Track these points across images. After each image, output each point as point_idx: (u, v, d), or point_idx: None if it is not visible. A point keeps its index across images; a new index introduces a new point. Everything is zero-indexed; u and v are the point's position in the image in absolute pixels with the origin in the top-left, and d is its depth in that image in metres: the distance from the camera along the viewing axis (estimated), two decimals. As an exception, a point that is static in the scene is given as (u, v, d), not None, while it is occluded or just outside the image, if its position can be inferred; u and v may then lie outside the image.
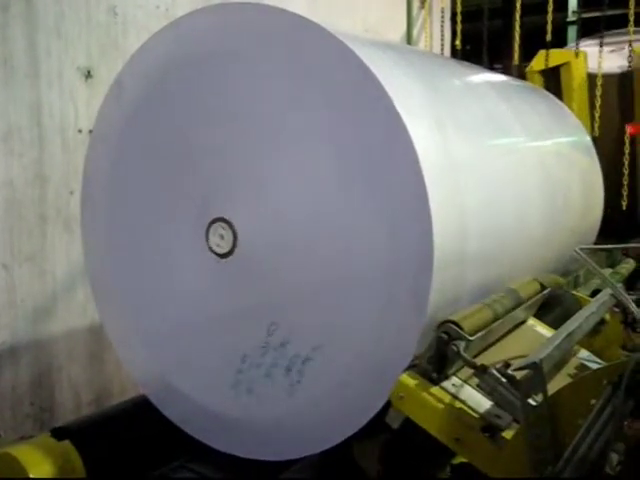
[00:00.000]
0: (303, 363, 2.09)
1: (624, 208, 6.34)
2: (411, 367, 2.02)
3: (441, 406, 1.97)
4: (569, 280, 3.77)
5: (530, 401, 1.82)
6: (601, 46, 6.70)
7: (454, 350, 1.98)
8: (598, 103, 6.66)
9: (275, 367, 2.15)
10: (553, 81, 7.08)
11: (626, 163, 6.44)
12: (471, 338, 2.01)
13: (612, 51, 7.09)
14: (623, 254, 4.47)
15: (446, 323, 2.00)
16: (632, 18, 6.51)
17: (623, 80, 6.91)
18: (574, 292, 3.75)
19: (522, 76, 6.56)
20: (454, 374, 2.07)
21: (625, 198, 6.38)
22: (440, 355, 2.01)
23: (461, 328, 2.00)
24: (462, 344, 1.98)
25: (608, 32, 6.83)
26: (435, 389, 2.00)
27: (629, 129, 6.58)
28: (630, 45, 6.48)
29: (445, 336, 1.99)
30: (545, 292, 2.71)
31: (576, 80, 6.88)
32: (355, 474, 2.29)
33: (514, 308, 2.41)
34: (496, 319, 2.24)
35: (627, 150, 6.43)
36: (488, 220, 2.30)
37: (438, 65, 2.77)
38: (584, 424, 1.70)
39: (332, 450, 2.09)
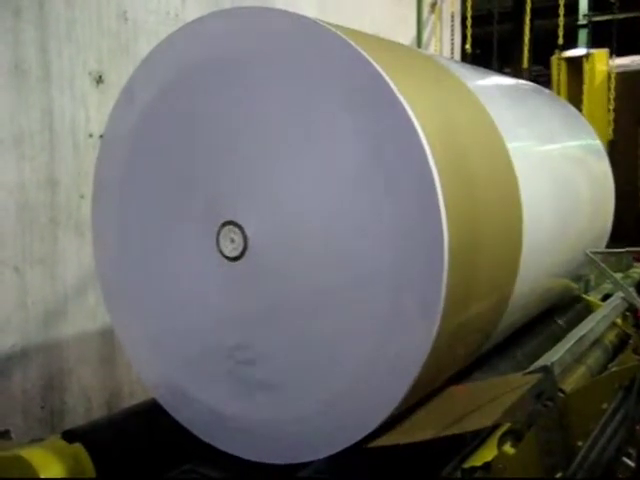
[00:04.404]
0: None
1: None
2: (510, 432, 1.94)
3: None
4: (580, 284, 3.76)
5: (541, 405, 1.82)
6: (612, 49, 6.74)
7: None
8: (612, 106, 6.68)
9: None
10: (575, 71, 7.15)
11: None
12: None
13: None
14: (634, 259, 4.46)
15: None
16: None
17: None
18: (585, 296, 3.74)
19: (532, 79, 6.58)
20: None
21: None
22: None
23: (564, 392, 1.96)
24: None
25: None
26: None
27: None
28: None
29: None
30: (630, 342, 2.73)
31: (597, 72, 6.95)
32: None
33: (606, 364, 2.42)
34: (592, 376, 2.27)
35: None
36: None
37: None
38: (596, 428, 1.69)
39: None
